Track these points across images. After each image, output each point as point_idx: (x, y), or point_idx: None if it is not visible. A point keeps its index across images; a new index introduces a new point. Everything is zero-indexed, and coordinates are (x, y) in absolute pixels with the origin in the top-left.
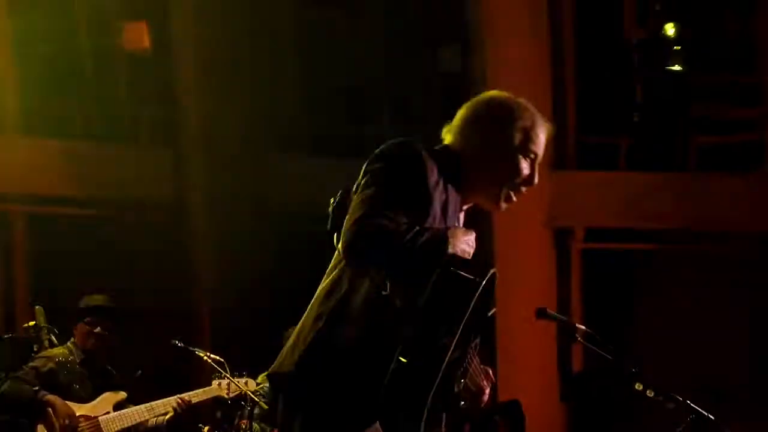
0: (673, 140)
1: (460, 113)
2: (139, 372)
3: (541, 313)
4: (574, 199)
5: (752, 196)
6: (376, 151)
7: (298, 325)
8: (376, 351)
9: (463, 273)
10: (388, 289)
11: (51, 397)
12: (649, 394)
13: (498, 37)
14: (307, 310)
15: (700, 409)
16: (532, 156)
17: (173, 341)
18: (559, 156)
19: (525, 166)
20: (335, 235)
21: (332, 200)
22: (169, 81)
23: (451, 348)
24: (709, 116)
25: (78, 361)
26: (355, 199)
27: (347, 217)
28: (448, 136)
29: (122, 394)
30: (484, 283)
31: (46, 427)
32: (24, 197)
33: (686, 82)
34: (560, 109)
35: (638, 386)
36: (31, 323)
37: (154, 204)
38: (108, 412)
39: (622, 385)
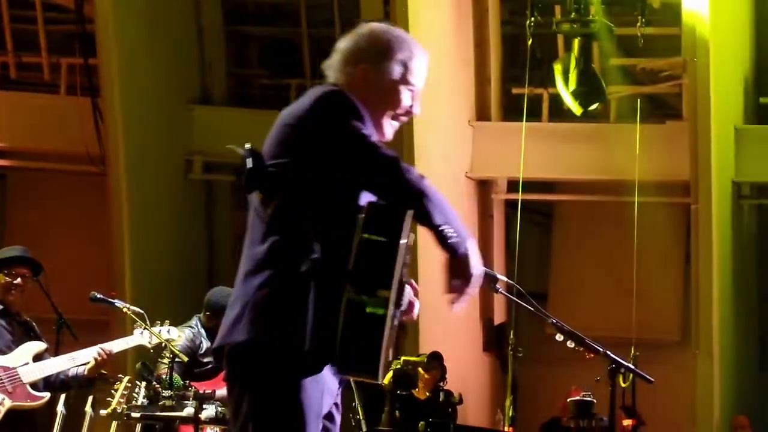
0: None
1: (340, 48)
2: (60, 322)
3: None
4: (497, 150)
5: (669, 146)
6: (315, 102)
7: (235, 294)
8: (324, 312)
9: (376, 237)
10: (319, 254)
11: None
12: (570, 344)
13: None
14: (242, 276)
15: (618, 359)
16: (412, 87)
17: (92, 293)
18: (482, 108)
19: (407, 97)
20: (258, 195)
21: (247, 161)
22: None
23: (392, 300)
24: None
25: None
26: (349, 149)
27: (366, 160)
28: (330, 72)
29: (42, 345)
30: (402, 240)
31: None
32: None
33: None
34: (482, 59)
35: (558, 337)
36: None
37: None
38: (27, 363)
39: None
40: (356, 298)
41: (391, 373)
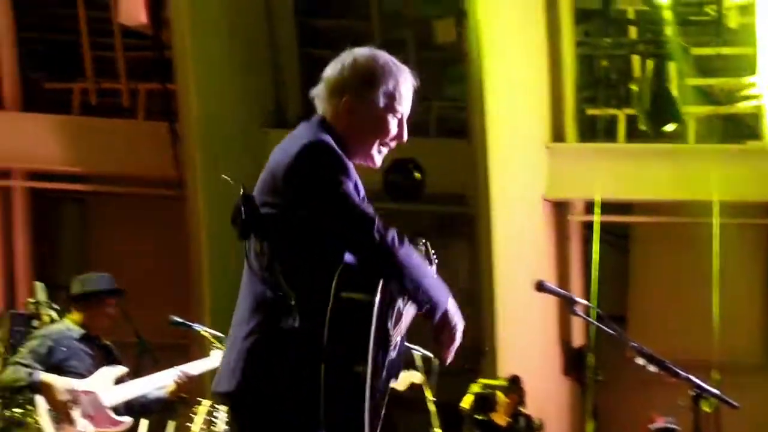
0: None
1: (326, 77)
2: (140, 346)
3: (540, 287)
4: (573, 172)
5: (747, 167)
6: (300, 155)
7: (231, 340)
8: (308, 379)
9: (353, 295)
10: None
11: (47, 378)
12: (651, 368)
13: (491, 8)
14: (234, 322)
15: (702, 383)
16: (398, 115)
17: (171, 317)
18: (557, 128)
19: (393, 125)
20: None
21: (238, 205)
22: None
23: (368, 374)
24: None
25: (77, 337)
26: (328, 206)
27: (351, 225)
28: (317, 102)
29: (122, 369)
30: (377, 298)
31: (48, 402)
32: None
33: None
34: (557, 80)
35: (639, 360)
36: (32, 299)
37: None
38: (108, 387)
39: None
40: (333, 372)
41: (470, 397)
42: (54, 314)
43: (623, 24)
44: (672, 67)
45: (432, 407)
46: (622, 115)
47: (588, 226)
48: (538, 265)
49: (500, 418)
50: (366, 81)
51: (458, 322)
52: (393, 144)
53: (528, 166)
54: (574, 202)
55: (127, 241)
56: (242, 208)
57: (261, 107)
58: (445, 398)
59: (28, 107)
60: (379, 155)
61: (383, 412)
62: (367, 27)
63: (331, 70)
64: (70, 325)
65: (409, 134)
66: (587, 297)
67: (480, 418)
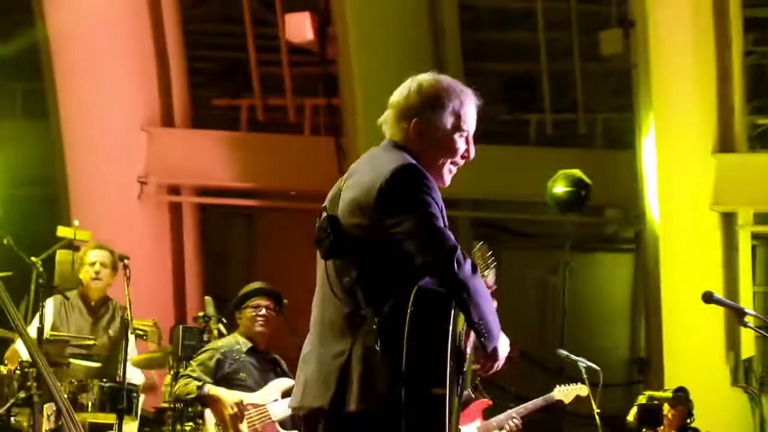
0: None
1: (393, 103)
2: None
3: (708, 298)
4: (742, 182)
5: None
6: (392, 178)
7: (316, 357)
8: (392, 400)
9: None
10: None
11: (216, 391)
12: None
13: (660, 18)
14: (318, 338)
15: None
16: (465, 133)
17: None
18: (725, 138)
19: (462, 144)
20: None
21: (324, 227)
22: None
23: (447, 394)
24: None
25: (244, 350)
26: (424, 232)
27: (434, 249)
28: (386, 128)
29: (290, 381)
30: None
31: (215, 416)
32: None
33: None
34: (726, 89)
35: None
36: (201, 313)
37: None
38: (276, 400)
39: None
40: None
41: (635, 410)
42: (222, 328)
43: None
44: None
45: (597, 419)
46: None
47: (756, 237)
48: (706, 276)
49: (666, 431)
50: (432, 104)
51: (503, 357)
52: (462, 162)
53: (695, 177)
54: (741, 213)
55: (294, 255)
56: (328, 230)
57: None
58: (611, 410)
59: (197, 124)
60: (449, 174)
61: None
62: (531, 38)
63: (397, 96)
64: (238, 339)
65: (575, 146)
66: (756, 308)
67: (645, 430)
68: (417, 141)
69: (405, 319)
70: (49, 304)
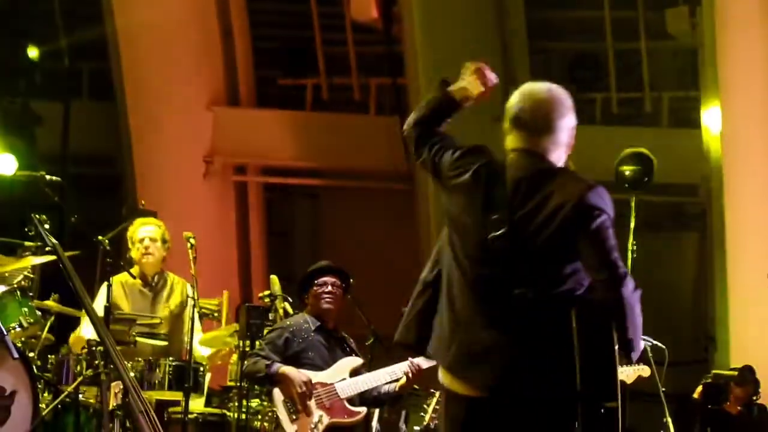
0: None
1: (527, 116)
2: (372, 338)
3: None
4: None
5: None
6: (597, 204)
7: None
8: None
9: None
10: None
11: (285, 369)
12: None
13: None
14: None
15: None
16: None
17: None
18: None
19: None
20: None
21: (500, 230)
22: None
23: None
24: None
25: (313, 329)
26: (607, 247)
27: (613, 267)
28: (520, 136)
29: (358, 360)
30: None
31: (283, 394)
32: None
33: None
34: None
35: None
36: (266, 292)
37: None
38: (344, 379)
39: None
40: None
41: (700, 388)
42: (288, 307)
43: None
44: None
45: (663, 398)
46: None
47: None
48: None
49: (733, 408)
50: (566, 108)
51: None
52: None
53: (760, 155)
54: None
55: (359, 234)
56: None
57: (491, 100)
58: (677, 389)
59: (262, 104)
60: None
61: None
62: (597, 16)
63: (527, 110)
64: (307, 317)
65: (641, 124)
66: None
67: (712, 407)
68: (555, 152)
69: (570, 333)
70: (106, 285)
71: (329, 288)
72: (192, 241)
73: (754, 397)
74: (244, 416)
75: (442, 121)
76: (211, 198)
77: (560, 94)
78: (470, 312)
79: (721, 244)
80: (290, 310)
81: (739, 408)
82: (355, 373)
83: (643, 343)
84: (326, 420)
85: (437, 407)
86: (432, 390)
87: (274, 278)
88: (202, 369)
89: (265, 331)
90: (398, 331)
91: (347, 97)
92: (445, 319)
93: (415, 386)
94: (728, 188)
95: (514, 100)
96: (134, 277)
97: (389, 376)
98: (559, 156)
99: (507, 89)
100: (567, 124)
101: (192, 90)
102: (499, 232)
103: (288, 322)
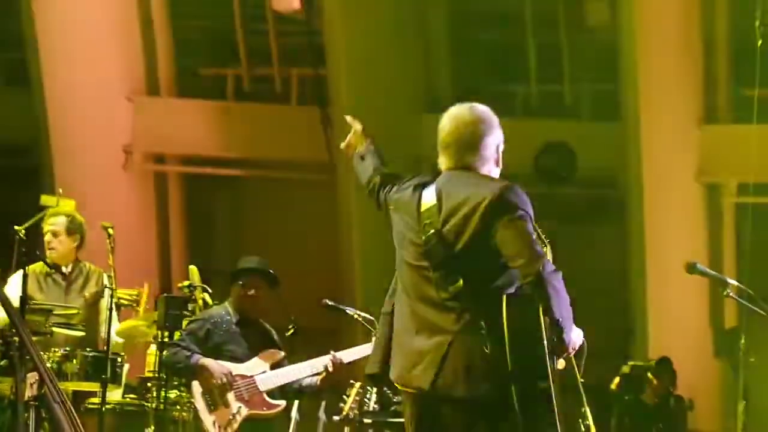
0: None
1: (458, 138)
2: (292, 330)
3: (692, 268)
4: (727, 154)
5: None
6: (511, 199)
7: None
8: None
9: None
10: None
11: (204, 361)
12: None
13: None
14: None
15: None
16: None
17: (324, 300)
18: (710, 109)
19: None
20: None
21: (429, 233)
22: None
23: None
24: None
25: (234, 321)
26: (523, 237)
27: (529, 253)
28: (451, 155)
29: (279, 353)
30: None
31: (202, 386)
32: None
33: None
34: (711, 60)
35: None
36: (186, 282)
37: (307, 164)
38: (264, 371)
39: None
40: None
41: (617, 379)
42: (208, 298)
43: None
44: None
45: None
46: None
47: (741, 208)
48: (690, 247)
49: (650, 399)
50: (493, 126)
51: (575, 347)
52: None
53: (680, 148)
54: (727, 184)
55: (280, 224)
56: (434, 245)
57: (413, 91)
58: (594, 380)
59: (183, 94)
60: None
61: None
62: (518, 7)
63: (459, 133)
64: (229, 309)
65: (561, 117)
66: (740, 279)
67: (629, 398)
68: (487, 166)
69: (501, 322)
70: (19, 275)
71: (252, 292)
72: (110, 231)
73: (671, 388)
74: (162, 406)
75: (366, 174)
76: (131, 188)
77: (483, 113)
78: (406, 319)
79: (639, 236)
80: (210, 301)
81: (656, 399)
82: (275, 365)
83: (578, 330)
84: (245, 412)
85: (357, 397)
86: (352, 381)
87: (193, 269)
88: (119, 360)
89: (185, 322)
90: (367, 365)
91: (269, 88)
92: (394, 337)
93: (337, 379)
94: (647, 180)
95: (441, 124)
96: (50, 267)
97: (310, 369)
98: (488, 170)
99: (429, 79)
100: (492, 141)
101: (111, 79)
102: (431, 232)
103: (209, 314)
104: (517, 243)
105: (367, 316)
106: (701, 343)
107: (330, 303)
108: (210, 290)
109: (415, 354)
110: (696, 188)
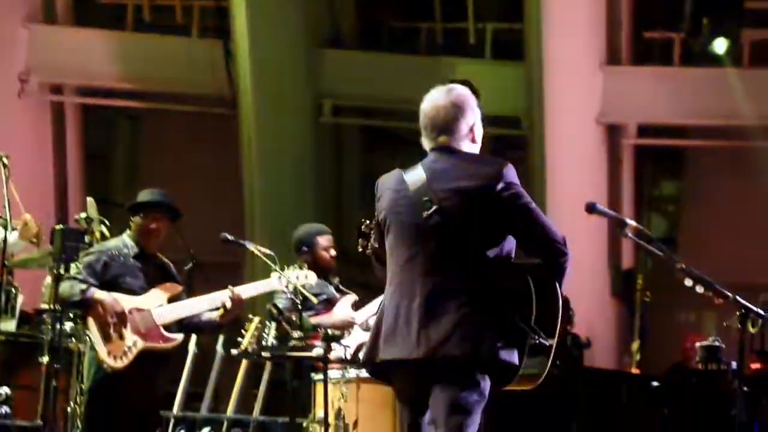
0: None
1: (440, 119)
2: (192, 264)
3: (591, 208)
4: (628, 95)
5: None
6: (507, 177)
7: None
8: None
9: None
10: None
11: (99, 295)
12: (699, 289)
13: None
14: (441, 296)
15: (748, 304)
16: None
17: (222, 234)
18: (613, 51)
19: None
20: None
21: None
22: None
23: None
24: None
25: (132, 254)
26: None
27: (543, 230)
28: (433, 136)
29: (177, 287)
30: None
31: (96, 320)
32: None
33: None
34: (614, 2)
35: (687, 282)
36: (83, 215)
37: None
38: (161, 305)
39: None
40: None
41: None
42: (105, 230)
43: None
44: None
45: None
46: (677, 38)
47: (642, 150)
48: (590, 188)
49: None
50: (473, 107)
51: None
52: None
53: (582, 89)
54: (627, 126)
55: (179, 158)
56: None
57: (316, 27)
58: None
59: (81, 22)
60: None
61: None
62: None
63: (431, 116)
64: (127, 241)
65: (465, 56)
66: (638, 220)
67: None
68: (469, 145)
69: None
70: None
71: (153, 225)
72: (5, 160)
73: (568, 327)
74: (57, 339)
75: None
76: (27, 118)
77: (460, 94)
78: (401, 290)
79: (541, 177)
80: (107, 234)
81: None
82: (173, 299)
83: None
84: (140, 344)
85: (255, 332)
86: (251, 316)
87: (90, 201)
88: (14, 291)
89: (82, 254)
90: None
91: (170, 18)
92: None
93: (236, 314)
94: (549, 120)
95: (422, 106)
96: None
97: (209, 303)
98: (469, 147)
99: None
100: (470, 120)
101: (5, 5)
102: (432, 209)
103: (107, 246)
104: (536, 228)
105: (267, 251)
106: (599, 283)
107: (229, 237)
108: (108, 223)
109: (402, 325)
110: (597, 129)
